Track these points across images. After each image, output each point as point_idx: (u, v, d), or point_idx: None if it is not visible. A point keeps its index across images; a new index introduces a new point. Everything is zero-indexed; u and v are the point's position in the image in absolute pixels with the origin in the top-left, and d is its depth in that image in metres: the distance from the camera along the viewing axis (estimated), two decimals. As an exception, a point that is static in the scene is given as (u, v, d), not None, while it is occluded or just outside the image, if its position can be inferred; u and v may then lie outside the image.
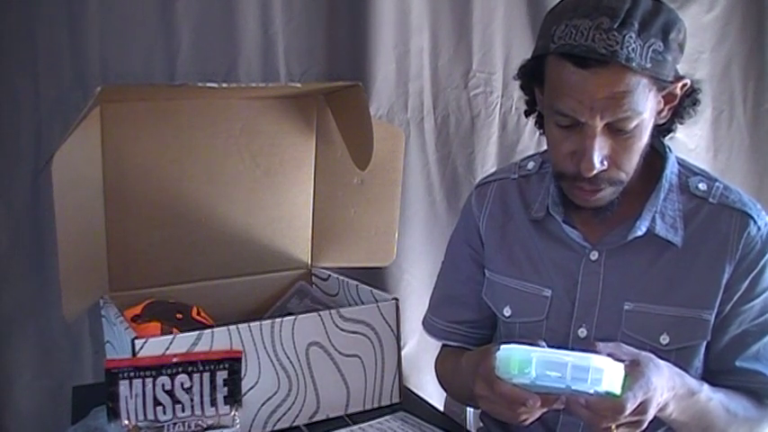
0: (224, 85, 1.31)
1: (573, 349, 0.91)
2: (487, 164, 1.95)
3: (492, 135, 1.96)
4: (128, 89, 1.40)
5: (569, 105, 0.96)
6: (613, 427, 0.87)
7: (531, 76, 1.06)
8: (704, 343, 1.07)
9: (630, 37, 0.91)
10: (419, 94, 1.87)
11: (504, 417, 0.95)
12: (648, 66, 0.92)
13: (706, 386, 1.02)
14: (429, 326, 1.31)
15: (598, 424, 0.87)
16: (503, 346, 0.88)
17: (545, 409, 0.91)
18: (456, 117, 1.92)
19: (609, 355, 0.89)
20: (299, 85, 1.54)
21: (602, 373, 0.83)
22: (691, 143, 2.18)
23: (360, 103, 1.37)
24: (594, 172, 0.98)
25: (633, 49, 0.91)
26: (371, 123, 1.36)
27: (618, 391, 0.85)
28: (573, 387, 0.84)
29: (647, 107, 0.96)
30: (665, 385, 0.92)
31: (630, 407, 0.85)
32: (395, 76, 1.82)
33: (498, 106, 1.96)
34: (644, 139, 1.00)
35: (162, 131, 1.40)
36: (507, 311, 1.18)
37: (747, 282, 1.05)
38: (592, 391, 0.84)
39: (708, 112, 2.20)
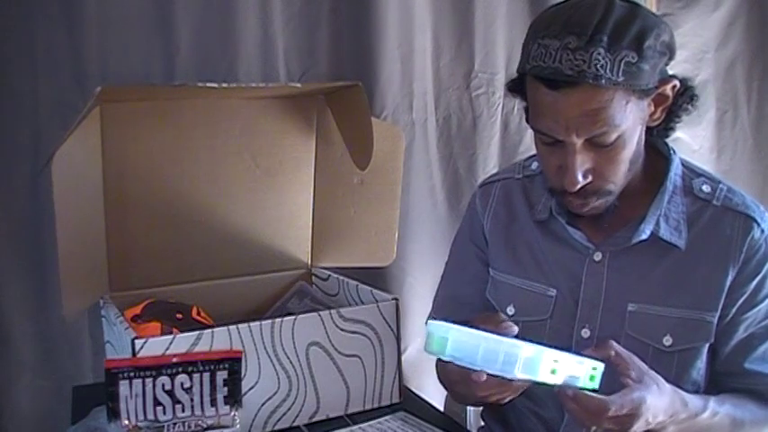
0: (224, 85, 1.31)
1: (575, 352, 0.92)
2: (489, 165, 1.94)
3: (494, 136, 1.95)
4: (127, 89, 1.40)
5: (546, 125, 0.97)
6: (593, 429, 0.89)
7: (517, 91, 1.06)
8: (707, 345, 1.07)
9: (599, 54, 0.90)
10: (423, 95, 1.86)
11: (472, 399, 0.98)
12: (621, 79, 0.91)
13: (712, 402, 1.02)
14: None
15: (581, 419, 0.90)
16: (430, 322, 0.90)
17: (513, 392, 0.94)
18: (458, 118, 1.91)
19: (618, 363, 0.92)
20: (299, 85, 1.54)
21: (516, 357, 0.83)
22: (695, 144, 2.17)
23: (360, 103, 1.37)
24: (578, 187, 0.99)
25: (602, 66, 0.90)
26: (371, 123, 1.36)
27: (538, 377, 0.85)
28: (488, 371, 0.85)
29: (626, 118, 0.95)
30: (663, 409, 0.93)
31: (613, 412, 0.87)
32: (399, 76, 1.81)
33: (500, 107, 1.95)
34: (629, 147, 0.99)
35: (162, 131, 1.40)
36: (511, 310, 1.18)
37: (752, 286, 1.05)
38: (511, 376, 0.84)
39: (712, 112, 2.19)
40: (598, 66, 0.90)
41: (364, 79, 1.71)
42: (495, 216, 1.22)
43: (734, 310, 1.05)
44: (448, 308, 1.29)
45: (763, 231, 1.05)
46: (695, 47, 2.13)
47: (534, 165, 1.22)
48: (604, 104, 0.93)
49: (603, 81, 0.91)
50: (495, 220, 1.22)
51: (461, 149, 1.92)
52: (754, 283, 1.04)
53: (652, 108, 1.01)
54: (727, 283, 1.04)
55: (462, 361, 0.86)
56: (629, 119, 0.96)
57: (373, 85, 1.77)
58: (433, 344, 0.88)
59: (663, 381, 0.95)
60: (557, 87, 0.93)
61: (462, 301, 1.27)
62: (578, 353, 0.93)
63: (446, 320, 1.28)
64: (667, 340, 1.05)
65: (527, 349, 0.84)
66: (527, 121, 1.13)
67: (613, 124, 0.94)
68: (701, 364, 1.08)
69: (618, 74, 0.91)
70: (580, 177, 0.98)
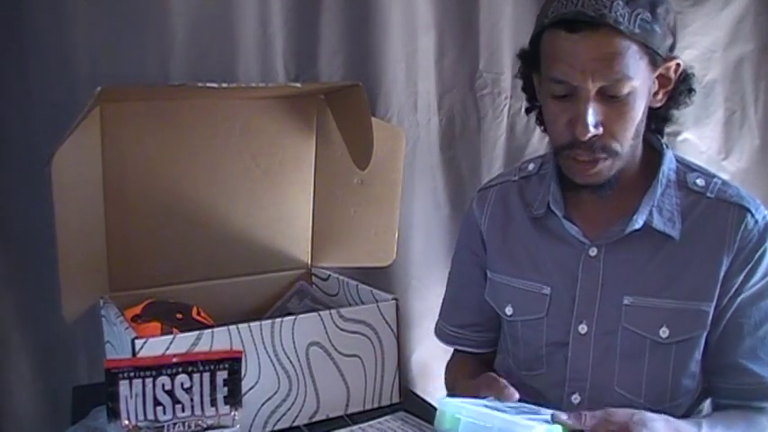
0: (224, 85, 1.31)
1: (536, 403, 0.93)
2: (494, 167, 1.92)
3: (499, 137, 1.93)
4: (127, 89, 1.40)
5: (562, 70, 0.99)
6: None
7: (530, 59, 1.09)
8: (704, 334, 1.07)
9: (618, 4, 0.95)
10: (426, 95, 1.85)
11: None
12: (637, 31, 0.96)
13: (704, 424, 1.01)
14: (439, 331, 1.33)
15: None
16: (441, 400, 0.92)
17: None
18: (462, 119, 1.90)
19: (594, 426, 0.91)
20: (299, 84, 1.53)
21: None
22: (702, 145, 2.15)
23: (360, 103, 1.37)
24: (589, 135, 1.00)
25: (621, 15, 0.95)
26: (371, 123, 1.36)
27: None
28: None
29: (638, 74, 0.98)
30: None
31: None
32: (404, 76, 1.80)
33: (507, 108, 1.93)
34: (637, 109, 1.01)
35: (162, 131, 1.40)
36: (509, 310, 1.19)
37: (743, 274, 1.05)
38: None
39: (720, 112, 2.16)
40: (618, 13, 0.94)
41: (368, 80, 1.70)
42: (492, 218, 1.23)
43: (726, 299, 1.06)
44: (450, 312, 1.32)
45: (756, 222, 1.05)
46: (704, 46, 2.11)
47: (531, 166, 1.23)
48: (622, 51, 0.96)
49: (622, 27, 0.95)
50: (491, 222, 1.23)
51: (465, 151, 1.90)
52: (745, 271, 1.05)
53: (656, 87, 1.04)
54: (722, 272, 1.05)
55: None
56: (641, 77, 0.99)
57: (378, 85, 1.76)
58: (445, 422, 0.90)
59: (648, 412, 0.95)
60: (577, 30, 0.96)
61: (462, 305, 1.29)
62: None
63: (450, 331, 1.30)
64: (664, 332, 1.06)
65: (540, 428, 0.85)
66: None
67: (627, 74, 0.97)
68: (699, 355, 1.08)
69: (635, 26, 0.95)
70: (592, 125, 0.99)
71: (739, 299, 1.06)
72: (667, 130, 2.07)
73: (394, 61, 1.77)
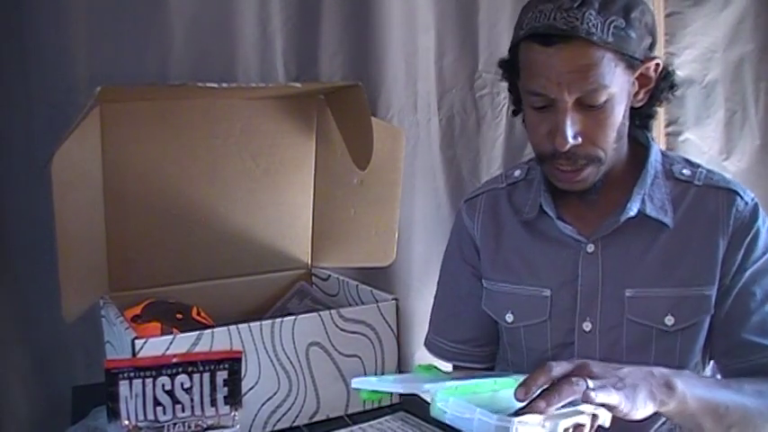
0: (224, 85, 1.31)
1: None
2: (493, 166, 1.92)
3: (498, 137, 1.93)
4: (127, 89, 1.39)
5: (539, 83, 1.00)
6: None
7: (510, 68, 1.10)
8: (707, 318, 1.08)
9: (590, 14, 0.96)
10: (426, 95, 1.85)
11: None
12: (611, 40, 0.96)
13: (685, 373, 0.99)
14: (435, 347, 1.30)
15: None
16: (433, 388, 0.86)
17: None
18: (461, 118, 1.90)
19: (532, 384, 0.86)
20: (299, 84, 1.53)
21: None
22: (704, 146, 2.15)
23: (360, 102, 1.37)
24: (568, 146, 1.01)
25: (594, 25, 0.95)
26: (371, 123, 1.36)
27: None
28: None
29: (614, 81, 0.99)
30: (605, 365, 0.89)
31: (558, 369, 0.84)
32: (404, 76, 1.80)
33: (506, 108, 1.93)
34: (616, 115, 1.02)
35: (162, 131, 1.41)
36: (509, 317, 1.18)
37: (741, 254, 1.07)
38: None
39: (721, 113, 2.16)
40: (590, 24, 0.95)
41: (368, 80, 1.70)
42: (484, 227, 1.23)
43: (728, 280, 1.07)
44: (449, 327, 1.28)
45: (746, 203, 1.08)
46: (704, 46, 2.11)
47: (517, 172, 1.23)
48: (596, 61, 0.97)
49: (595, 38, 0.95)
50: (484, 231, 1.23)
51: (465, 151, 1.90)
52: (743, 252, 1.06)
53: (636, 87, 1.05)
54: (720, 255, 1.06)
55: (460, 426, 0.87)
56: (618, 84, 1.00)
57: (378, 85, 1.75)
58: (434, 409, 0.87)
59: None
60: (551, 44, 0.97)
61: (462, 319, 1.26)
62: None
63: (451, 347, 1.27)
64: (669, 320, 1.06)
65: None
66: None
67: (603, 83, 0.98)
68: (702, 341, 1.09)
69: (608, 35, 0.96)
70: (570, 137, 1.00)
71: (742, 279, 1.06)
72: (668, 129, 2.08)
73: (394, 61, 1.77)
